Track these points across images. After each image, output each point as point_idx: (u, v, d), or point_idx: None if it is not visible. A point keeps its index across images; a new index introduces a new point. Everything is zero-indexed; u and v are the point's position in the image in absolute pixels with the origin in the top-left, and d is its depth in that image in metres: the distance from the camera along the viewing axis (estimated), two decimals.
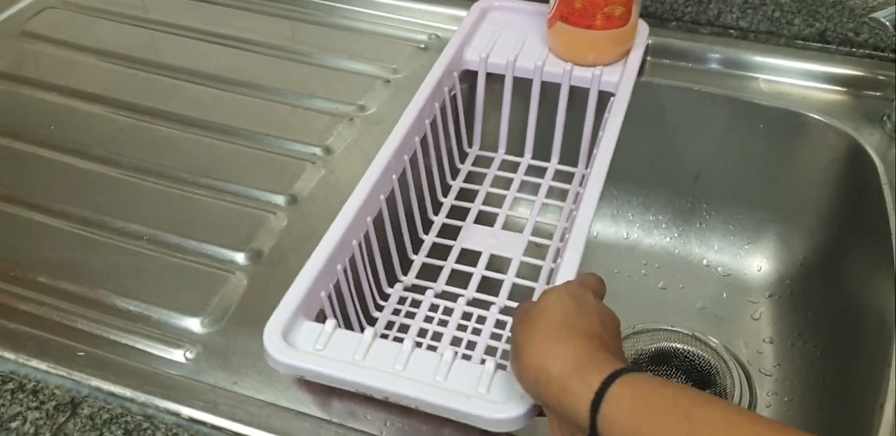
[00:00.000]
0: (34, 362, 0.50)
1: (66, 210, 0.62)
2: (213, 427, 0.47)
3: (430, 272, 0.65)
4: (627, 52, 0.71)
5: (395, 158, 0.61)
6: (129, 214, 0.61)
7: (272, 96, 0.73)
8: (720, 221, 0.77)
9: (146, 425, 0.47)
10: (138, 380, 0.49)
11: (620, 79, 0.68)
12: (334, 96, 0.73)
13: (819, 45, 0.75)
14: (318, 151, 0.68)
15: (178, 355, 0.52)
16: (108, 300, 0.55)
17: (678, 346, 0.70)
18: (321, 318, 0.52)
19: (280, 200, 0.63)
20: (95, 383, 0.49)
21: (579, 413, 0.37)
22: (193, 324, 0.54)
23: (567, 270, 0.52)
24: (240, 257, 0.58)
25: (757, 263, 0.76)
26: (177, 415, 0.48)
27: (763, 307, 0.73)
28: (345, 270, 0.55)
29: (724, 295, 0.75)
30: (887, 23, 0.58)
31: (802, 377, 0.66)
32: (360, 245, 0.57)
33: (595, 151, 0.63)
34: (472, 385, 0.46)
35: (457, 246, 0.67)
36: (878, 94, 0.71)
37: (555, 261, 0.64)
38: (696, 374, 0.68)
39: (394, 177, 0.62)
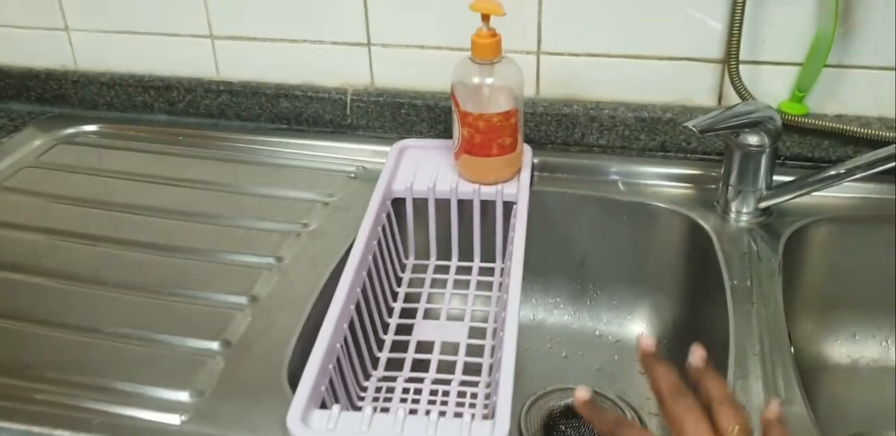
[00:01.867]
0: (58, 432, 0.62)
1: (65, 321, 0.75)
2: None
3: (395, 365, 0.79)
4: (519, 171, 0.89)
5: (356, 275, 0.76)
6: (117, 321, 0.74)
7: (228, 222, 0.89)
8: (605, 297, 0.94)
9: None
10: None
11: (518, 191, 0.87)
12: (281, 218, 0.89)
13: (661, 153, 0.95)
14: (271, 260, 0.83)
15: (174, 418, 0.64)
16: (110, 385, 0.67)
17: None
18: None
19: (243, 300, 0.77)
20: None
21: None
22: (182, 396, 0.66)
23: (509, 340, 0.66)
24: (215, 345, 0.72)
25: (638, 328, 0.92)
26: None
27: None
28: (333, 368, 0.68)
29: (616, 357, 0.90)
30: (694, 129, 0.77)
31: None
32: (341, 347, 0.71)
33: (510, 247, 0.79)
34: (457, 433, 0.59)
35: (413, 340, 0.82)
36: (710, 186, 0.90)
37: (493, 338, 0.79)
38: None
39: (357, 290, 0.76)
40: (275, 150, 1.02)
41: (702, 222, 0.85)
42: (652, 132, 0.94)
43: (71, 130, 1.08)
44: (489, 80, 0.83)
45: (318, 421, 0.61)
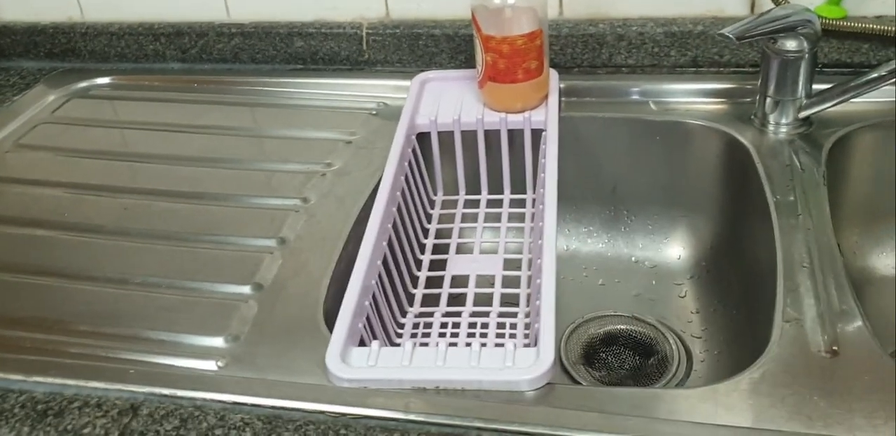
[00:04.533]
0: (93, 383, 0.61)
1: (93, 275, 0.73)
2: (254, 406, 0.58)
3: (431, 301, 0.77)
4: (546, 97, 0.86)
5: (386, 212, 0.74)
6: (146, 271, 0.73)
7: (251, 166, 0.87)
8: (640, 223, 0.91)
9: (197, 413, 0.58)
10: (183, 382, 0.60)
11: (546, 117, 0.83)
12: (304, 159, 0.87)
13: (693, 69, 0.91)
14: (297, 202, 0.80)
15: (210, 364, 0.63)
16: (143, 335, 0.66)
17: (622, 327, 0.82)
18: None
19: (273, 242, 0.75)
20: (148, 389, 0.60)
21: None
22: (217, 341, 0.65)
23: (548, 268, 0.64)
24: (247, 290, 0.70)
25: (676, 252, 0.89)
26: (221, 402, 0.59)
27: (687, 287, 0.86)
28: (370, 305, 0.67)
29: (654, 282, 0.88)
30: (731, 36, 0.73)
31: (725, 334, 0.79)
32: (376, 284, 0.69)
33: (541, 175, 0.77)
34: (500, 362, 0.58)
35: (447, 275, 0.80)
36: (746, 100, 0.86)
37: (529, 269, 0.77)
38: (641, 347, 0.81)
39: (388, 226, 0.74)
40: (292, 91, 0.99)
41: (739, 137, 0.81)
42: (683, 47, 0.90)
43: (83, 84, 1.06)
44: (511, 0, 0.78)
45: (358, 358, 0.60)
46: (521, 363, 0.58)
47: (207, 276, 0.72)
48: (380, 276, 0.70)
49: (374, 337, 0.67)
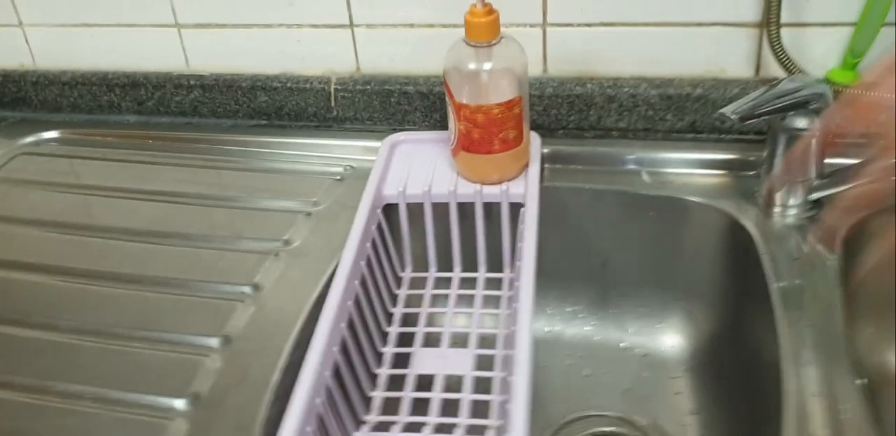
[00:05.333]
0: None
1: (8, 380, 0.65)
2: None
3: (391, 406, 0.68)
4: (527, 166, 0.77)
5: (340, 307, 0.65)
6: (70, 375, 0.65)
7: (200, 243, 0.78)
8: (631, 305, 0.82)
9: None
10: None
11: (526, 190, 0.75)
12: (259, 234, 0.78)
13: (692, 135, 0.82)
14: (247, 289, 0.72)
15: None
16: None
17: (609, 430, 0.73)
18: None
19: (213, 342, 0.67)
20: None
21: None
22: None
23: (520, 380, 0.56)
24: (178, 403, 0.61)
25: (670, 340, 0.81)
26: None
27: (683, 381, 0.78)
28: (314, 432, 0.58)
29: (645, 374, 0.79)
30: (733, 116, 0.65)
31: None
32: (323, 403, 0.60)
33: (518, 262, 0.68)
34: None
35: (411, 374, 0.71)
36: (750, 172, 0.78)
37: (503, 369, 0.68)
38: None
39: (342, 325, 0.66)
40: (254, 150, 0.91)
41: (742, 219, 0.73)
42: (679, 111, 0.81)
43: (31, 139, 0.98)
44: (487, 66, 0.70)
45: None
46: None
47: (137, 384, 0.64)
48: (328, 389, 0.62)
49: None
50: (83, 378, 0.65)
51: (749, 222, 0.72)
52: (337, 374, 0.64)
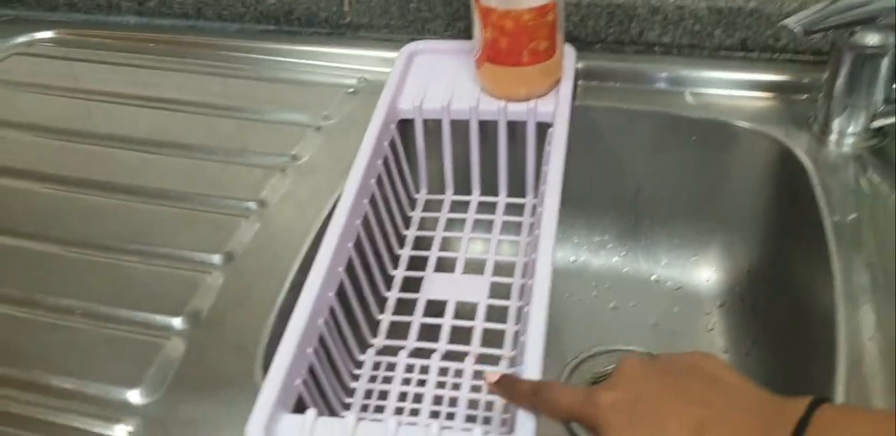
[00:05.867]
0: None
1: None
2: None
3: (398, 330, 0.64)
4: (558, 82, 0.71)
5: (347, 226, 0.59)
6: (59, 289, 0.60)
7: (203, 155, 0.73)
8: (665, 235, 0.77)
9: None
10: None
11: (556, 109, 0.68)
12: (265, 149, 0.73)
13: (741, 53, 0.75)
14: (251, 205, 0.67)
15: (118, 430, 0.50)
16: (43, 380, 0.53)
17: None
18: (300, 406, 0.50)
19: (215, 258, 0.62)
20: None
21: None
22: (132, 396, 0.52)
23: (537, 311, 0.51)
24: (176, 322, 0.57)
25: (705, 274, 0.75)
26: None
27: (715, 318, 0.73)
28: (315, 352, 0.53)
29: (676, 309, 0.74)
30: (796, 29, 0.58)
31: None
32: (326, 323, 0.55)
33: (542, 187, 0.62)
34: None
35: (421, 298, 0.66)
36: (803, 96, 0.71)
37: (520, 299, 0.64)
38: None
39: (349, 245, 0.60)
40: (260, 58, 0.84)
41: (794, 147, 0.66)
42: (730, 27, 0.74)
43: (24, 39, 0.91)
44: None
45: (287, 431, 0.47)
46: None
47: (130, 301, 0.59)
48: (340, 296, 0.57)
49: (319, 388, 0.54)
50: (73, 292, 0.60)
51: (801, 150, 0.66)
52: (342, 294, 0.59)
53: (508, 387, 0.45)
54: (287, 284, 0.59)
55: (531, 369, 0.48)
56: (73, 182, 0.71)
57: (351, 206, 0.61)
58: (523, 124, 0.71)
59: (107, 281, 0.61)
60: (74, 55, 0.88)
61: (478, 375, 0.59)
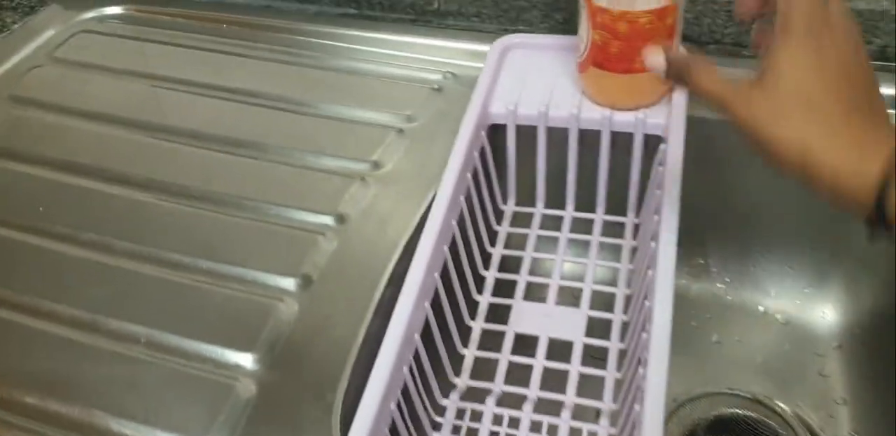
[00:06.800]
0: None
1: (55, 310, 0.57)
2: None
3: (484, 368, 0.59)
4: (670, 91, 0.63)
5: (434, 253, 0.54)
6: (123, 311, 0.56)
7: (276, 157, 0.67)
8: (776, 262, 0.70)
9: None
10: None
11: (669, 121, 0.61)
12: (344, 152, 0.67)
13: (880, 63, 0.67)
14: (329, 220, 0.62)
15: None
16: (103, 423, 0.50)
17: (739, 412, 0.63)
18: None
19: (289, 283, 0.57)
20: None
21: (859, 195, 0.36)
22: None
23: (656, 381, 0.45)
24: (247, 360, 0.53)
25: (821, 309, 0.68)
26: None
27: (831, 361, 0.66)
28: (398, 405, 0.49)
29: (786, 347, 0.67)
30: None
31: None
32: (411, 369, 0.51)
33: (650, 197, 0.56)
34: None
35: (509, 331, 0.60)
36: None
37: (621, 339, 0.58)
38: None
39: (436, 274, 0.55)
40: (339, 45, 0.78)
41: None
42: (869, 32, 0.65)
43: (92, 15, 0.87)
44: None
45: None
46: None
47: (200, 331, 0.55)
48: (424, 332, 0.52)
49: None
50: (138, 316, 0.56)
51: None
52: (426, 328, 0.54)
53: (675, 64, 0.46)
54: (368, 317, 0.54)
55: None
56: (139, 182, 0.66)
57: (439, 230, 0.55)
58: (628, 134, 0.64)
59: (175, 305, 0.56)
60: (144, 35, 0.83)
61: (574, 433, 0.54)
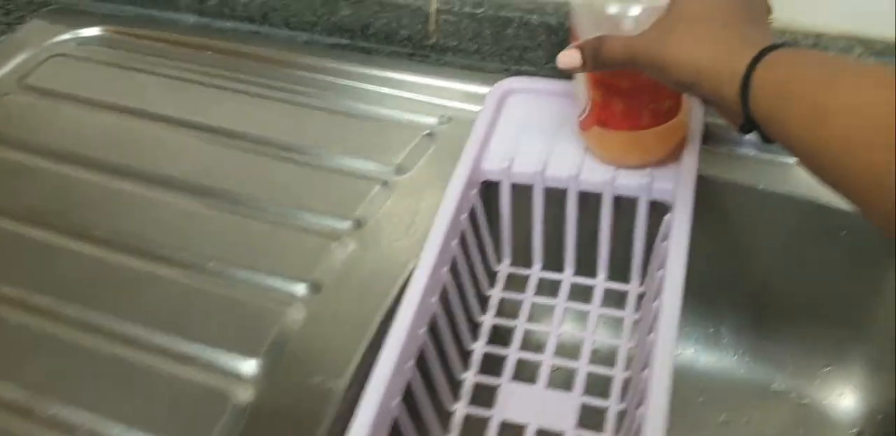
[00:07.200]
0: None
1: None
2: None
3: None
4: (681, 144, 0.57)
5: (409, 336, 0.49)
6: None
7: (251, 211, 0.62)
8: (793, 337, 0.64)
9: None
10: None
11: (676, 187, 0.55)
12: (322, 209, 0.61)
13: None
14: (302, 288, 0.56)
15: None
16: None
17: None
18: None
19: (249, 367, 0.52)
20: None
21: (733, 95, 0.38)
22: None
23: None
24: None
25: (839, 390, 0.63)
26: None
27: None
28: None
29: (801, 431, 0.62)
30: None
31: None
32: None
33: (655, 265, 0.51)
34: None
35: (495, 418, 0.55)
36: None
37: (616, 432, 0.52)
38: None
39: (409, 363, 0.50)
40: (329, 80, 0.73)
41: None
42: None
43: (67, 36, 0.82)
44: (634, 10, 0.48)
45: None
46: None
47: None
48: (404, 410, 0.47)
49: None
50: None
51: None
52: (407, 402, 0.49)
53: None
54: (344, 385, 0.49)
55: None
56: (101, 238, 0.61)
57: (415, 311, 0.50)
58: (633, 199, 0.58)
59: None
60: (122, 62, 0.78)
61: None
